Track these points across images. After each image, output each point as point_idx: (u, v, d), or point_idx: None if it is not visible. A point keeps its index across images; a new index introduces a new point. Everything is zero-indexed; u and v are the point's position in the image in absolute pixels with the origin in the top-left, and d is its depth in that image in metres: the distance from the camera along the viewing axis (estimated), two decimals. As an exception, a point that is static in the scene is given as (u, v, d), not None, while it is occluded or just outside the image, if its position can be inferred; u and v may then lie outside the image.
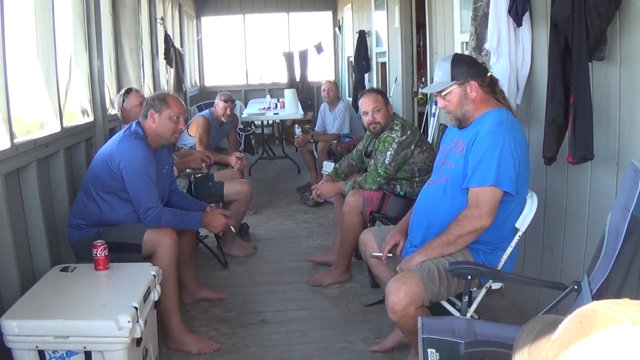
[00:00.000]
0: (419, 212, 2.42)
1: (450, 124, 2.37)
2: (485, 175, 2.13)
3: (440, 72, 2.30)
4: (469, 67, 2.28)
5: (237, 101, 7.65)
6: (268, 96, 8.77)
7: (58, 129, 3.11)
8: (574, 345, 0.68)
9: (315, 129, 6.60)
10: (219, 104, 5.09)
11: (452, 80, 2.25)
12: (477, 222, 2.14)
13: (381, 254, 2.51)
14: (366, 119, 3.53)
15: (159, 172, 2.87)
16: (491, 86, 2.30)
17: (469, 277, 2.04)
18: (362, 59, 7.47)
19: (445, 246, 2.19)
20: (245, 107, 8.46)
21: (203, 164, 4.28)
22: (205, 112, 5.24)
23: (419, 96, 5.89)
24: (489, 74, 2.33)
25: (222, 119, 5.10)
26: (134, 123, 2.89)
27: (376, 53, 7.22)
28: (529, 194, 2.28)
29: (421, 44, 5.93)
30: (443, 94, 2.29)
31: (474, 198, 2.16)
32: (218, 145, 5.41)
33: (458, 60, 2.30)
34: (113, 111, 4.06)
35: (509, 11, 2.64)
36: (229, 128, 5.40)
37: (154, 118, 2.84)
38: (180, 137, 3.34)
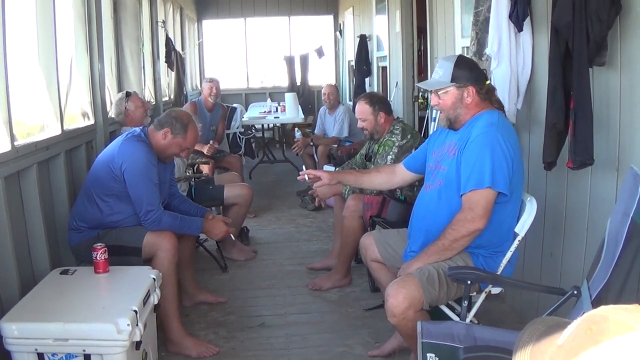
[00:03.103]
0: (417, 218, 2.42)
1: (441, 123, 2.37)
2: (480, 178, 2.13)
3: (441, 71, 2.27)
4: (470, 71, 2.27)
5: (237, 105, 7.70)
6: (269, 100, 8.80)
7: (59, 131, 3.11)
8: (584, 352, 0.66)
9: (315, 132, 6.61)
10: (204, 86, 5.39)
11: (452, 81, 2.24)
12: (470, 225, 2.13)
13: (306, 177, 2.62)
14: (357, 124, 3.77)
15: (159, 174, 2.87)
16: (488, 94, 2.30)
17: (469, 282, 2.03)
18: (363, 63, 7.49)
19: (442, 251, 2.20)
20: (246, 110, 8.47)
21: (206, 147, 4.77)
22: (195, 98, 5.59)
23: (419, 100, 5.89)
24: (487, 82, 2.32)
25: (210, 99, 5.34)
26: (139, 129, 2.90)
27: (377, 57, 7.24)
28: (528, 198, 2.27)
29: (422, 48, 5.94)
30: (439, 93, 2.28)
31: (467, 201, 2.16)
32: (217, 148, 5.41)
33: (461, 63, 2.29)
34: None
35: (510, 16, 2.64)
36: (219, 116, 5.58)
37: (167, 136, 2.86)
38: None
